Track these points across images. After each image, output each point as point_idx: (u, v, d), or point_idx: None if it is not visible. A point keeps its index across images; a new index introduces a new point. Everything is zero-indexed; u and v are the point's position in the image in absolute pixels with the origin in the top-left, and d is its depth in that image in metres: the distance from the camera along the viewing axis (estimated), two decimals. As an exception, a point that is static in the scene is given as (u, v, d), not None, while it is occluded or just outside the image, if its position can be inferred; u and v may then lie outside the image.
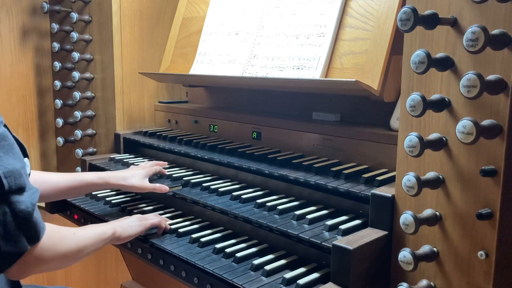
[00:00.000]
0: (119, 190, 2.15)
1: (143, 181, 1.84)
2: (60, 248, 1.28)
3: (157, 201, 2.01)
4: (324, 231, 1.40)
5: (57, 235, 1.29)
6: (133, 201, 2.03)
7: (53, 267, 1.30)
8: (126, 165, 2.16)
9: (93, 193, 2.10)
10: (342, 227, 1.38)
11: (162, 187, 1.83)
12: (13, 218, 1.11)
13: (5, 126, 1.19)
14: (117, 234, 1.53)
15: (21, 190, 1.14)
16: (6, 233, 1.11)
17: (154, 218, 1.68)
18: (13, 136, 1.21)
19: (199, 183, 1.86)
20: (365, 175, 1.52)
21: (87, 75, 2.49)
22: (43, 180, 1.69)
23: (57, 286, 1.80)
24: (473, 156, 1.11)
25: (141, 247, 1.67)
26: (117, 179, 1.82)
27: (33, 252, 1.18)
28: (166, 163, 2.08)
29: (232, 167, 1.89)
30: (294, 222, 1.48)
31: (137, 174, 1.86)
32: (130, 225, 1.60)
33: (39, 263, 1.22)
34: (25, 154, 1.27)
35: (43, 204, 2.26)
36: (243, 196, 1.67)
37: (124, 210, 1.92)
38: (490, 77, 1.04)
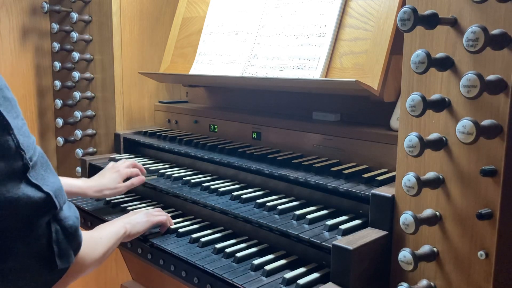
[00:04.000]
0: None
1: (118, 186, 1.87)
2: (94, 254, 1.28)
3: (157, 201, 2.01)
4: (324, 231, 1.40)
5: (91, 241, 1.30)
6: (133, 201, 2.02)
7: (87, 272, 1.30)
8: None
9: (93, 193, 2.10)
10: (342, 227, 1.38)
11: (139, 180, 1.92)
12: (64, 235, 1.11)
13: None
14: (128, 232, 1.55)
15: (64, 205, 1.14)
16: (60, 250, 1.10)
17: (161, 215, 1.69)
18: None
19: (199, 183, 1.86)
20: (365, 175, 1.52)
21: (87, 75, 2.49)
22: None
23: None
24: (473, 156, 1.11)
25: (141, 247, 1.67)
26: (94, 191, 1.84)
27: (76, 262, 1.18)
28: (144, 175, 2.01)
29: (232, 167, 1.89)
30: (294, 222, 1.48)
31: (112, 181, 1.87)
32: (138, 221, 1.61)
33: (81, 270, 1.22)
34: None
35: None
36: (243, 196, 1.67)
37: (124, 210, 1.92)
38: (490, 77, 1.04)
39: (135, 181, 1.91)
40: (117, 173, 1.90)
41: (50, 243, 1.08)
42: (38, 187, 1.04)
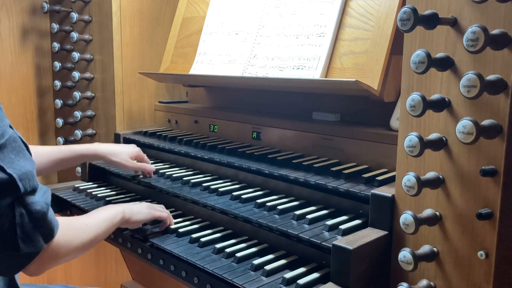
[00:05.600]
0: (119, 190, 2.16)
1: (128, 160, 1.95)
2: (75, 242, 1.29)
3: (157, 201, 2.00)
4: (324, 231, 1.40)
5: (71, 230, 1.30)
6: (133, 201, 2.02)
7: (68, 259, 1.31)
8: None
9: (93, 193, 2.10)
10: (342, 227, 1.38)
11: (151, 167, 1.99)
12: (30, 219, 1.12)
13: (10, 127, 1.19)
14: (127, 217, 1.56)
15: (34, 191, 1.15)
16: (23, 234, 1.12)
17: (162, 212, 1.69)
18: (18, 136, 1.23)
19: (199, 183, 1.86)
20: (365, 175, 1.52)
21: (87, 75, 2.49)
22: (37, 153, 1.72)
23: (57, 285, 1.80)
24: (473, 156, 1.11)
25: (141, 247, 1.67)
26: (105, 152, 1.92)
27: (49, 249, 1.19)
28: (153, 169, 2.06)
29: (232, 167, 1.89)
30: (294, 222, 1.48)
31: (125, 152, 1.96)
32: (139, 211, 1.62)
33: (56, 258, 1.23)
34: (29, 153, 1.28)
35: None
36: (243, 196, 1.67)
37: (124, 210, 1.92)
38: (490, 77, 1.04)
39: (147, 166, 1.98)
40: (134, 150, 2.00)
41: (13, 225, 1.10)
42: (1, 168, 1.07)
